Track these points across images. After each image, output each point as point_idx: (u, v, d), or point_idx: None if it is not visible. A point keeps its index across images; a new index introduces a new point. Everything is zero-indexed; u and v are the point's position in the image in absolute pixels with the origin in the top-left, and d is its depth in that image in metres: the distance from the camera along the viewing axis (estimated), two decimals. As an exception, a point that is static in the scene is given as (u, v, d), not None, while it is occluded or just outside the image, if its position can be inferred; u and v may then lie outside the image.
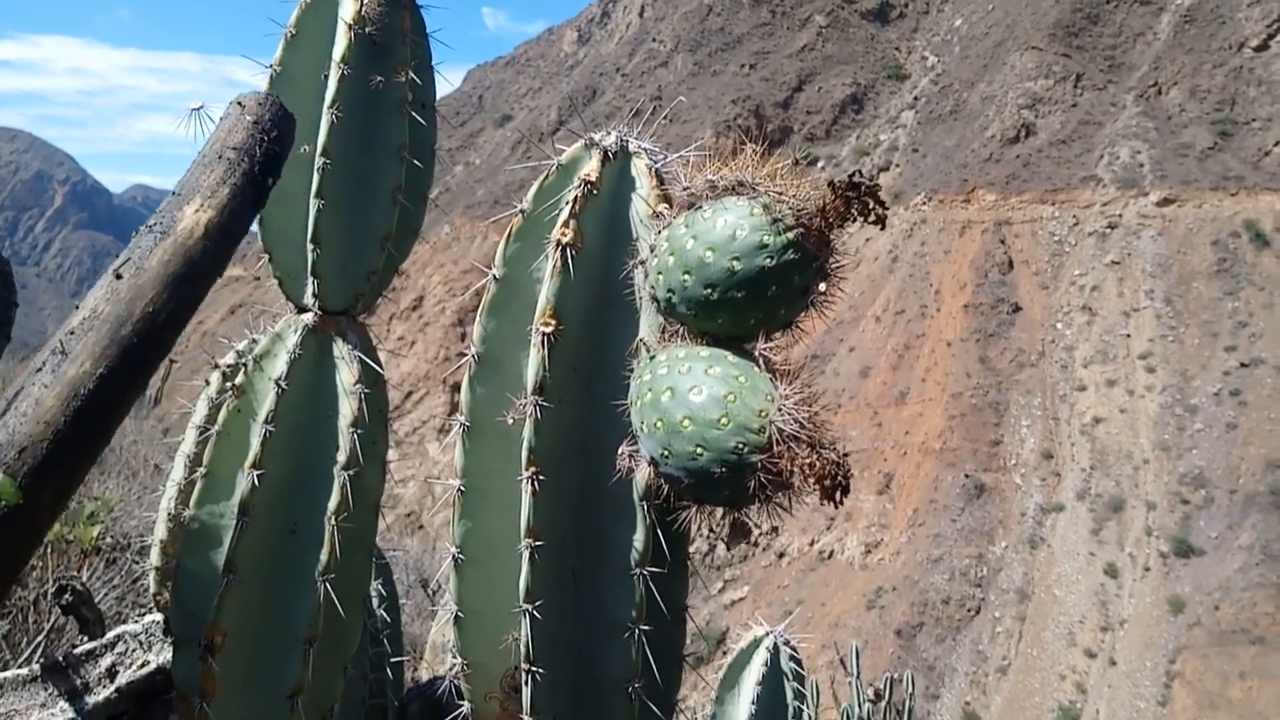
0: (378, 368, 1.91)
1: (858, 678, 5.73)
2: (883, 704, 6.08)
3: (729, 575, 62.23)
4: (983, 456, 61.76)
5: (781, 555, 62.18)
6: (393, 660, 2.90)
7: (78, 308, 1.41)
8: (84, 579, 4.48)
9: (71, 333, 1.34)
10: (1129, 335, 65.45)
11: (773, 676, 2.44)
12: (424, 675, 3.15)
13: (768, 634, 2.49)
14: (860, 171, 1.20)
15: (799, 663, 2.53)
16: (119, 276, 1.37)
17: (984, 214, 76.65)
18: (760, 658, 2.44)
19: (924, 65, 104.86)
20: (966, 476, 60.50)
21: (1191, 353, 62.46)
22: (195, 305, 1.43)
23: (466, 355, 1.48)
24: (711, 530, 1.37)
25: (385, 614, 2.98)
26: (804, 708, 2.49)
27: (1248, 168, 71.83)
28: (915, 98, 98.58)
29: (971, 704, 50.05)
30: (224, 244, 1.44)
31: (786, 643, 2.50)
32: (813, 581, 59.55)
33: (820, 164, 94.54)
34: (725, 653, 2.41)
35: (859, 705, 5.68)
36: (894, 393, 67.20)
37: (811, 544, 61.30)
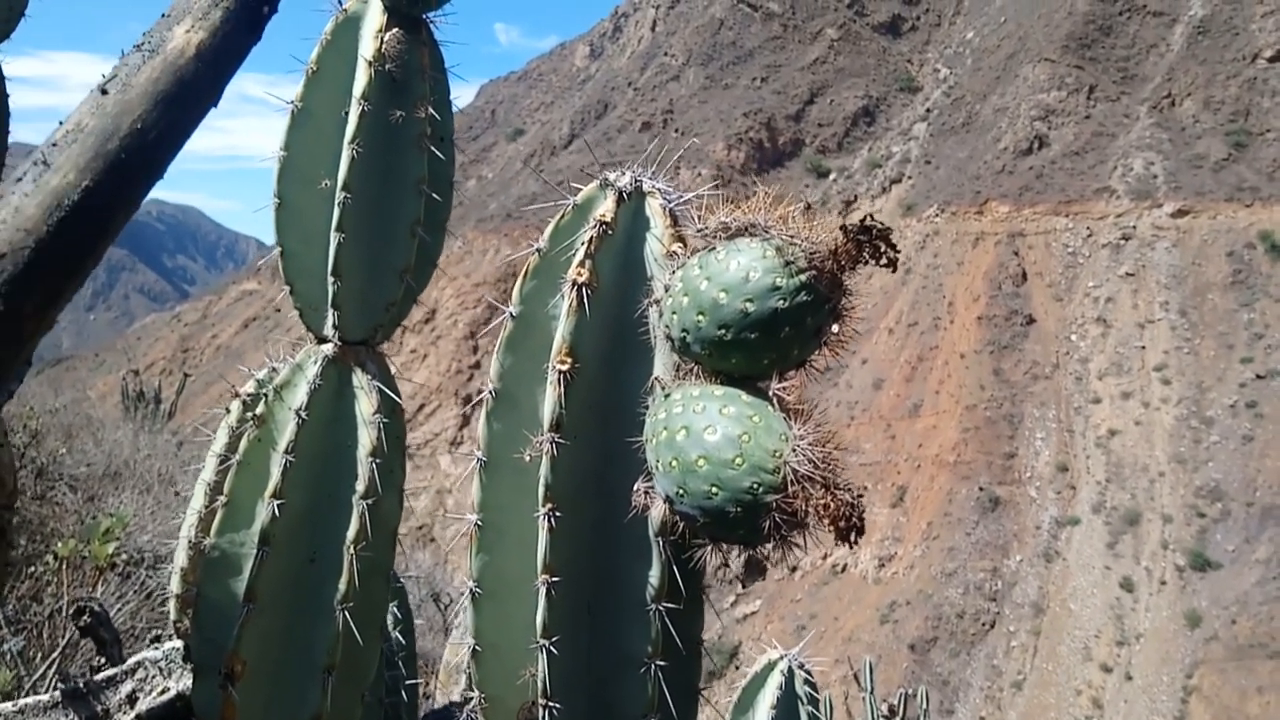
0: (396, 397, 1.94)
1: (871, 693, 5.72)
2: (897, 719, 6.07)
3: (740, 589, 62.03)
4: (997, 469, 61.46)
5: (794, 569, 61.94)
6: (407, 683, 2.91)
7: (61, 124, 1.33)
8: (98, 595, 4.51)
9: (54, 145, 1.28)
10: (1144, 347, 65.13)
11: (787, 700, 2.44)
12: (437, 694, 3.16)
13: (782, 657, 2.50)
14: (872, 215, 1.22)
15: (814, 686, 2.53)
16: (104, 93, 1.31)
17: (997, 226, 76.47)
18: (775, 681, 2.45)
19: (936, 77, 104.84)
20: (981, 489, 60.20)
21: (1207, 365, 62.09)
22: (189, 129, 1.35)
23: (484, 390, 1.50)
24: (726, 565, 1.38)
25: (400, 636, 3.00)
26: (818, 731, 2.50)
27: (1262, 179, 71.51)
28: (927, 110, 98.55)
29: (986, 719, 49.67)
30: (216, 67, 1.36)
31: (801, 665, 2.51)
32: (825, 595, 59.30)
33: (832, 176, 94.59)
34: (738, 667, 2.42)
35: (873, 721, 5.67)
36: (907, 405, 66.99)
37: (824, 558, 61.04)
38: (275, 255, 1.93)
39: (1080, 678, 50.81)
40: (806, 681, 2.51)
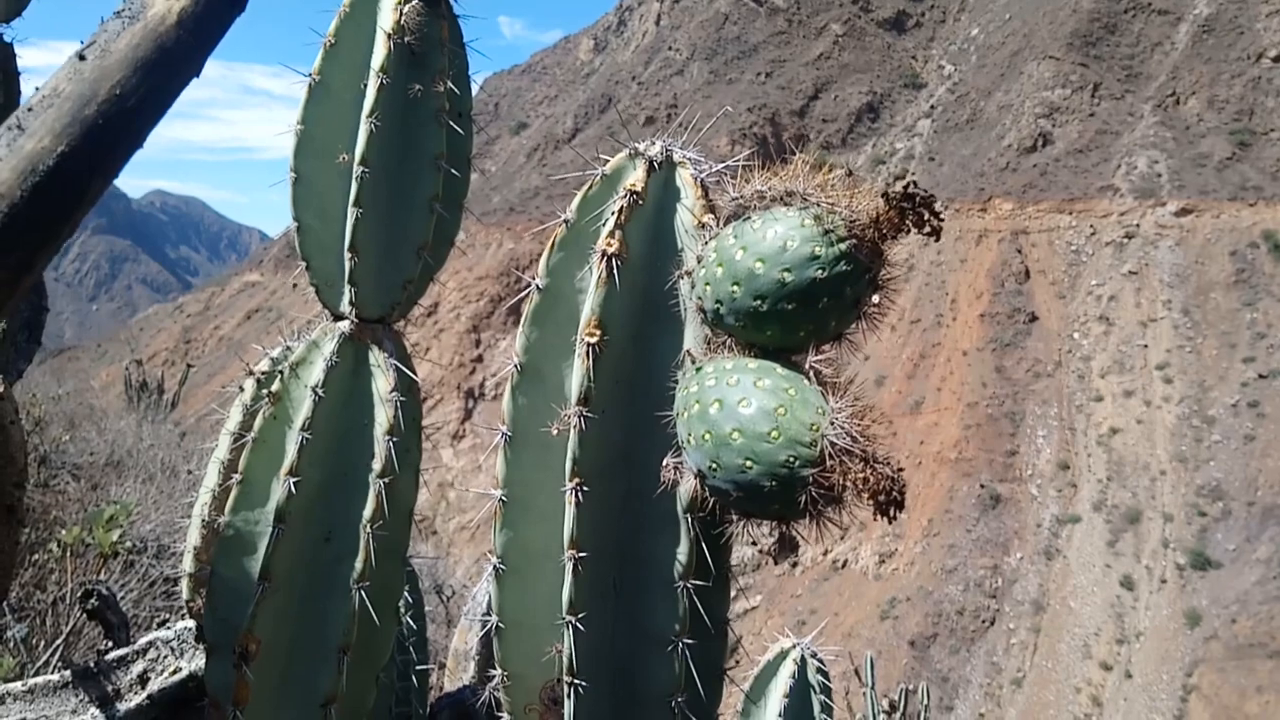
0: (413, 375, 1.91)
1: (872, 689, 5.71)
2: (897, 715, 6.08)
3: (741, 584, 61.96)
4: (998, 467, 61.46)
5: (795, 564, 61.96)
6: (418, 668, 2.89)
7: (38, 89, 1.32)
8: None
9: (30, 109, 1.25)
10: (1146, 346, 65.07)
11: (800, 689, 2.42)
12: (446, 682, 3.14)
13: (795, 646, 2.48)
14: (915, 183, 1.19)
15: (826, 675, 2.51)
16: (83, 58, 1.28)
17: (1001, 223, 76.41)
18: (787, 670, 2.43)
19: (941, 74, 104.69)
20: (982, 487, 60.20)
21: (1209, 364, 62.04)
22: (170, 97, 1.32)
23: (510, 364, 1.47)
24: (754, 543, 1.35)
25: (411, 621, 2.97)
26: (831, 720, 2.48)
27: (1266, 178, 71.39)
28: (932, 106, 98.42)
29: (986, 716, 49.72)
30: (198, 35, 1.33)
31: (814, 655, 2.49)
32: (826, 591, 59.31)
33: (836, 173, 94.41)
34: (737, 663, 2.40)
35: (874, 716, 5.66)
36: (909, 402, 66.96)
37: (825, 553, 61.05)
38: (292, 230, 1.90)
39: (1080, 675, 50.85)
40: (819, 671, 2.49)
